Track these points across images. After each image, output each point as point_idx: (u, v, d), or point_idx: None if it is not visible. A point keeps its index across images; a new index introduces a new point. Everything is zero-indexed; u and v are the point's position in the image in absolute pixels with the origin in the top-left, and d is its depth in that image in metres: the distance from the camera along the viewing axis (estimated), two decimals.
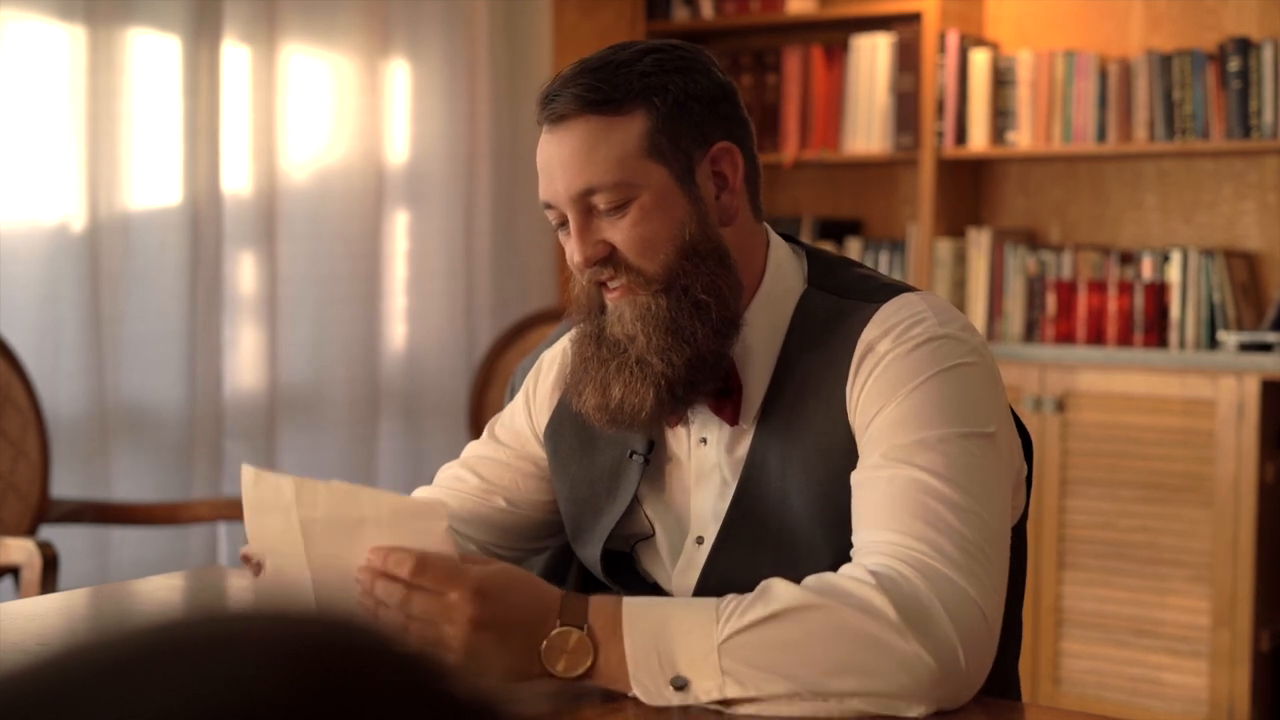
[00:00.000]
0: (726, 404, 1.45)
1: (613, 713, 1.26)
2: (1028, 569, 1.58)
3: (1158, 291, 3.75)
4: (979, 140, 3.96)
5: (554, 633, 1.26)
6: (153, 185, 3.28)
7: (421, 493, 1.66)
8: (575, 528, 1.58)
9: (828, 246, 3.29)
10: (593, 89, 1.40)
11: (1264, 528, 3.37)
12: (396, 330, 3.90)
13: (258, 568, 1.38)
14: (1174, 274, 3.74)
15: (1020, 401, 3.57)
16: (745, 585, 1.28)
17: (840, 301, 1.45)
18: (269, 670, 0.43)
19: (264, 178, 3.49)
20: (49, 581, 2.56)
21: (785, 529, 1.42)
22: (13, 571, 2.64)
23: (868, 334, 1.41)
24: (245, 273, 3.49)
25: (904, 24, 4.04)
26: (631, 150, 1.40)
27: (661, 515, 1.53)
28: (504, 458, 1.64)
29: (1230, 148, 3.67)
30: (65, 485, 3.09)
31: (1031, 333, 3.92)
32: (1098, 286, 3.81)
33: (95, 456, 3.16)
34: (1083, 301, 3.82)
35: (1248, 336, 3.55)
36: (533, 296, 4.14)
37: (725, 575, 1.43)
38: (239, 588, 1.78)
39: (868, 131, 4.11)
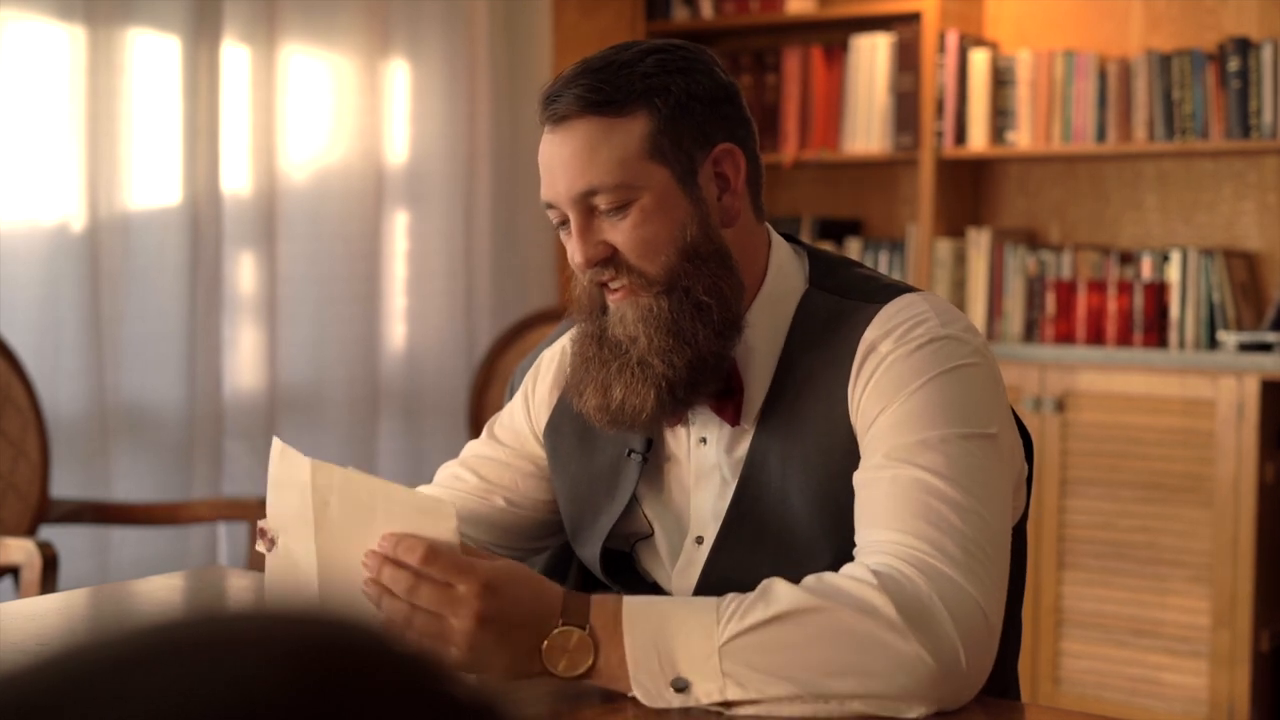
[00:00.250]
0: (728, 404, 1.45)
1: (612, 713, 1.26)
2: (1028, 569, 1.58)
3: (1157, 291, 3.75)
4: (978, 140, 3.96)
5: (555, 632, 1.26)
6: (153, 185, 3.28)
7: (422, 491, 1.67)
8: (575, 527, 1.58)
9: (827, 246, 3.29)
10: (594, 90, 1.39)
11: (1264, 528, 3.37)
12: (396, 330, 3.90)
13: (270, 543, 1.39)
14: (1174, 274, 3.74)
15: (1020, 401, 3.57)
16: (746, 585, 1.28)
17: (842, 302, 1.45)
18: (269, 670, 0.43)
19: (264, 178, 3.49)
20: (49, 581, 2.56)
21: (786, 529, 1.42)
22: (13, 571, 2.64)
23: (870, 334, 1.41)
24: (245, 273, 3.49)
25: (904, 24, 4.04)
26: (633, 151, 1.39)
27: (660, 515, 1.53)
28: (503, 457, 1.64)
29: (1230, 148, 3.67)
30: (65, 485, 3.09)
31: (1031, 333, 3.92)
32: (1097, 286, 3.82)
33: (95, 456, 3.16)
34: (1082, 301, 3.82)
35: (1247, 336, 3.55)
36: (533, 296, 4.14)
37: (725, 575, 1.43)
38: (239, 588, 1.78)
39: (867, 131, 4.12)
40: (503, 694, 0.45)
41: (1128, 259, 3.84)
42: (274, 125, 3.53)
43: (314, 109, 3.65)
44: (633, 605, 1.27)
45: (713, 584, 1.44)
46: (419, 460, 3.84)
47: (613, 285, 1.42)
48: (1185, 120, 3.70)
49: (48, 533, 2.99)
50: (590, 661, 1.26)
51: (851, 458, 1.38)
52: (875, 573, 1.26)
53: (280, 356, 3.58)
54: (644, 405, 1.41)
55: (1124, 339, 3.77)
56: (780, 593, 1.25)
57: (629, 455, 1.53)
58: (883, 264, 4.13)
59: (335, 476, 1.32)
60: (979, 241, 3.99)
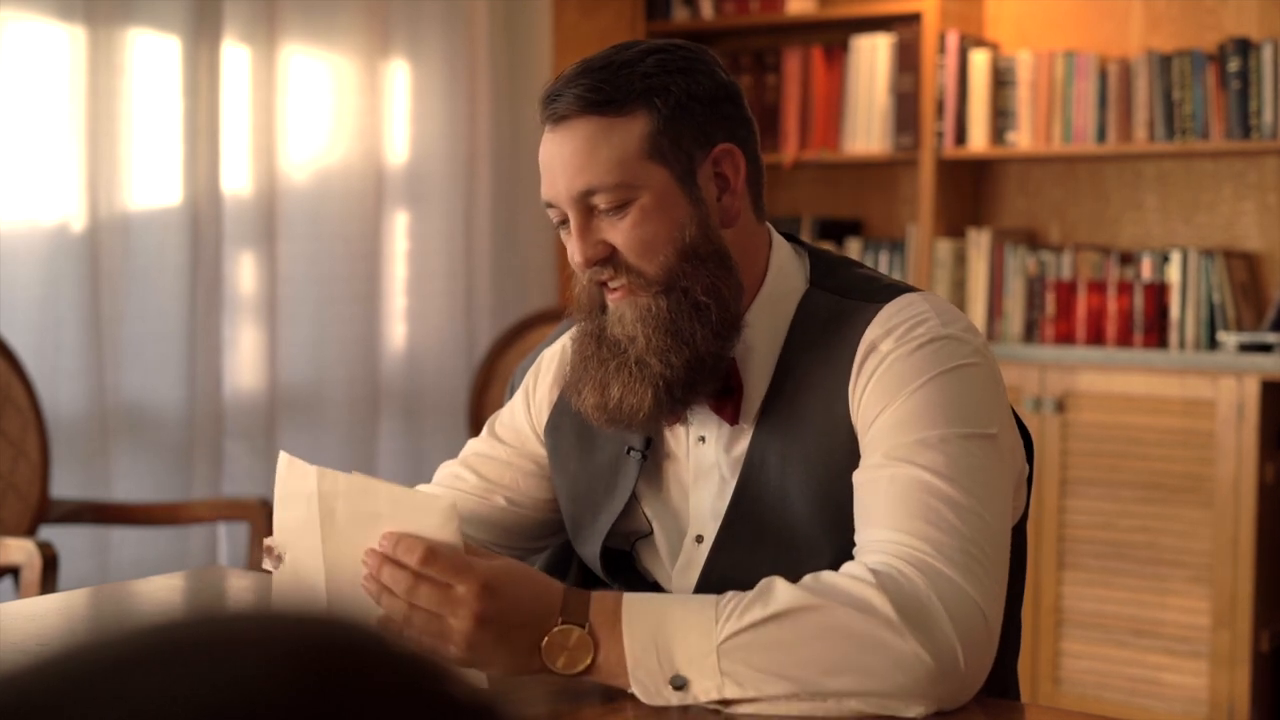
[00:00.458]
0: (727, 403, 1.45)
1: (612, 713, 1.26)
2: (1028, 569, 1.59)
3: (1157, 292, 3.75)
4: (979, 140, 3.96)
5: (555, 630, 1.26)
6: (153, 185, 3.28)
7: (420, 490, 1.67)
8: (575, 525, 1.59)
9: (828, 247, 3.28)
10: (594, 89, 1.40)
11: (1264, 528, 3.37)
12: (396, 330, 3.90)
13: (277, 560, 1.40)
14: (1174, 274, 3.74)
15: (1020, 402, 3.57)
16: (746, 584, 1.28)
17: (842, 301, 1.45)
18: (269, 670, 0.43)
19: (264, 178, 3.50)
20: (49, 582, 2.56)
21: (785, 528, 1.42)
22: (13, 571, 2.64)
23: (870, 334, 1.41)
24: (245, 273, 3.49)
25: (904, 24, 4.04)
26: (632, 151, 1.40)
27: (659, 513, 1.53)
28: (504, 456, 1.64)
29: (1230, 148, 3.67)
30: (65, 485, 3.09)
31: (1031, 333, 3.92)
32: (1097, 287, 3.82)
33: (95, 456, 3.16)
34: (1082, 302, 3.82)
35: (1247, 337, 3.55)
36: (533, 296, 4.14)
37: (725, 574, 1.43)
38: (239, 588, 1.78)
39: (867, 132, 4.12)
40: (502, 694, 0.45)
41: (1128, 259, 3.84)
42: (274, 125, 3.53)
43: (314, 109, 3.65)
44: (632, 603, 1.28)
45: (713, 583, 1.44)
46: (419, 460, 3.85)
47: (612, 284, 1.43)
48: (1185, 120, 3.70)
49: (48, 533, 2.99)
50: (589, 659, 1.26)
51: (851, 457, 1.38)
52: (874, 572, 1.26)
53: (280, 356, 3.58)
54: (641, 405, 1.41)
55: (1124, 339, 3.77)
56: (778, 591, 1.25)
57: (628, 453, 1.53)
58: (883, 264, 4.13)
59: (340, 482, 1.32)
60: (979, 242, 3.99)
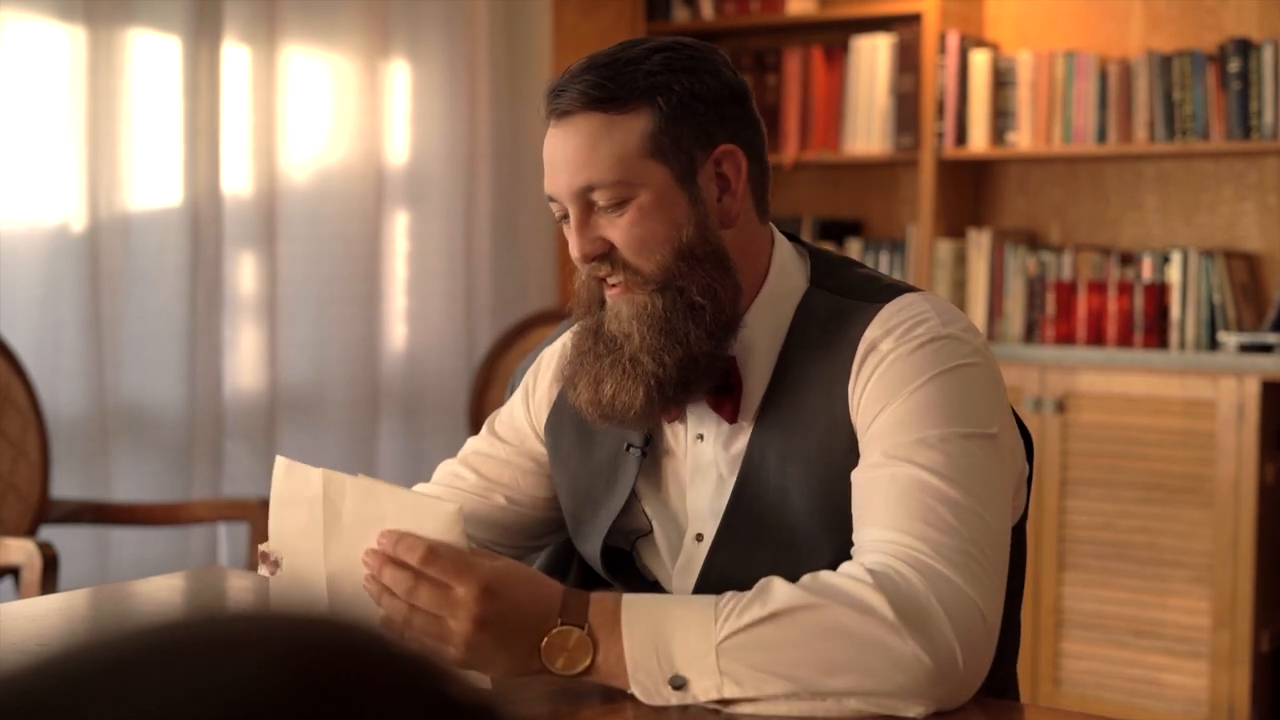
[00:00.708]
0: (726, 401, 1.45)
1: (612, 713, 1.26)
2: (1027, 569, 1.59)
3: (1158, 292, 3.75)
4: (979, 141, 3.96)
5: (554, 631, 1.26)
6: (153, 185, 3.28)
7: (421, 490, 1.66)
8: (575, 522, 1.59)
9: (828, 247, 3.28)
10: (598, 86, 1.40)
11: (1264, 528, 3.37)
12: (396, 330, 3.90)
13: (274, 566, 1.39)
14: (1174, 275, 3.74)
15: (1020, 402, 3.57)
16: (746, 583, 1.28)
17: (842, 301, 1.46)
18: (269, 671, 0.43)
19: (264, 178, 3.50)
20: (49, 582, 2.56)
21: (785, 527, 1.42)
22: (13, 572, 2.64)
23: (870, 333, 1.41)
24: (245, 273, 3.49)
25: (904, 25, 4.04)
26: (633, 149, 1.40)
27: (659, 511, 1.53)
28: (503, 455, 1.64)
29: (1230, 148, 3.67)
30: (65, 485, 3.09)
31: (1031, 333, 3.92)
32: (1098, 287, 3.81)
33: (95, 457, 3.16)
34: (1083, 302, 3.82)
35: (1248, 337, 3.55)
36: (533, 296, 4.14)
37: (725, 573, 1.43)
38: (239, 588, 1.78)
39: (868, 132, 4.12)
40: (502, 695, 0.45)
41: (1128, 260, 3.84)
42: (274, 125, 3.53)
43: (314, 109, 3.65)
44: (631, 603, 1.28)
45: (712, 582, 1.44)
46: (419, 460, 3.85)
47: (610, 281, 1.43)
48: (1186, 121, 3.70)
49: (48, 533, 2.99)
50: (589, 660, 1.26)
51: (851, 456, 1.38)
52: (872, 572, 1.26)
53: (280, 356, 3.58)
54: (633, 402, 1.41)
55: (1124, 340, 3.77)
56: (777, 591, 1.25)
57: (628, 450, 1.53)
58: (883, 264, 4.13)
59: (346, 485, 1.32)
60: (979, 242, 3.99)
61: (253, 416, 3.49)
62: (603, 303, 1.45)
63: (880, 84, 4.09)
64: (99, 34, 3.16)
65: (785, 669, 1.23)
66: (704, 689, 1.24)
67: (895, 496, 1.31)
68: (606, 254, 1.42)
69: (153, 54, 3.28)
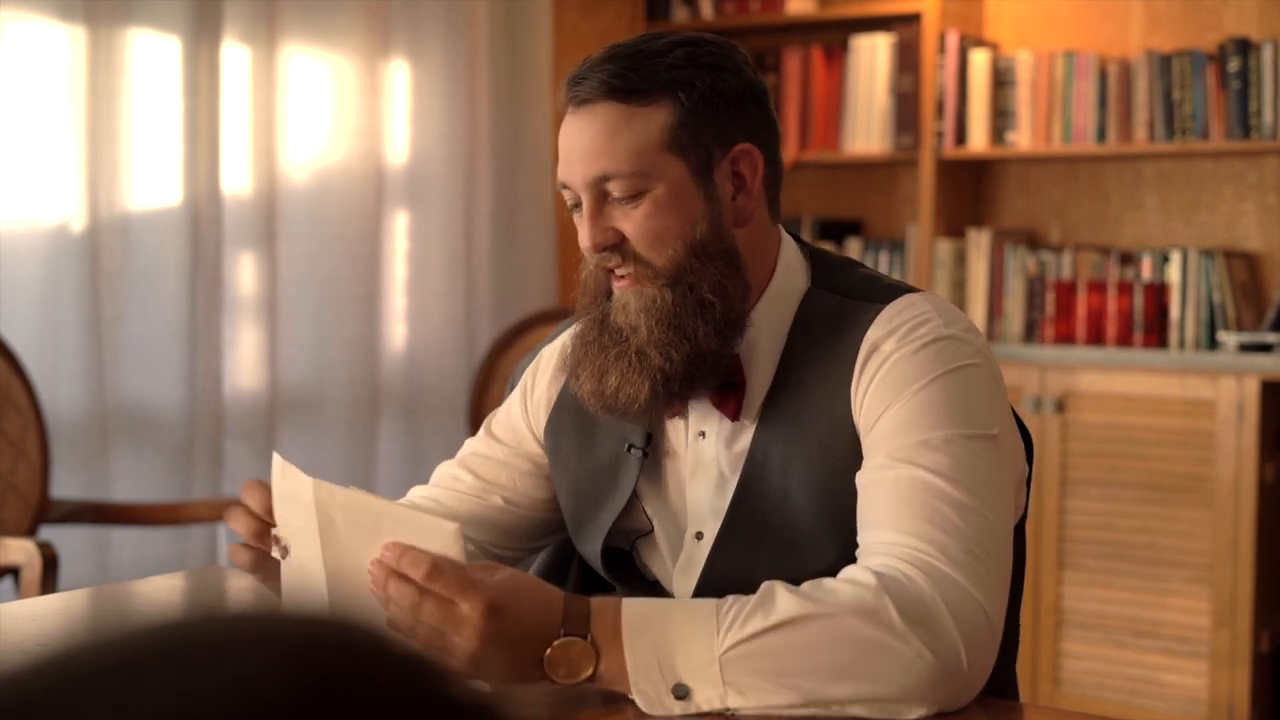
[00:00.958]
0: (730, 398, 1.45)
1: (613, 714, 1.26)
2: (1027, 570, 1.59)
3: (1157, 292, 3.75)
4: (979, 141, 3.96)
5: (558, 643, 1.26)
6: (153, 185, 3.28)
7: (418, 492, 1.66)
8: (576, 523, 1.58)
9: (827, 247, 3.29)
10: (619, 76, 1.39)
11: (1264, 528, 3.37)
12: (396, 330, 3.90)
13: (284, 551, 1.40)
14: (1174, 274, 3.74)
15: (1020, 402, 3.57)
16: (747, 584, 1.28)
17: (844, 301, 1.45)
18: (269, 670, 0.43)
19: (264, 178, 3.50)
20: (49, 582, 2.56)
21: (787, 527, 1.42)
22: (13, 572, 2.64)
23: (872, 334, 1.41)
24: (245, 273, 3.49)
25: (904, 24, 4.04)
26: (651, 142, 1.39)
27: (659, 511, 1.53)
28: (501, 456, 1.64)
29: (1230, 148, 3.67)
30: (65, 485, 3.09)
31: (1031, 333, 3.92)
32: (1097, 287, 3.82)
33: (95, 457, 3.16)
34: (1082, 302, 3.82)
35: (1248, 337, 3.55)
36: (533, 296, 4.14)
37: (727, 574, 1.43)
38: (239, 588, 1.78)
39: (867, 132, 4.12)
40: (503, 695, 0.45)
41: (1128, 259, 3.84)
42: (274, 125, 3.53)
43: (314, 109, 3.65)
44: (632, 612, 1.27)
45: (714, 582, 1.44)
46: (419, 460, 3.84)
47: (618, 272, 1.42)
48: (1185, 121, 3.70)
49: (48, 533, 2.99)
50: (590, 670, 1.26)
51: (854, 456, 1.38)
52: (877, 574, 1.26)
53: (280, 356, 3.58)
54: (638, 396, 1.41)
55: (1124, 339, 3.77)
56: (780, 600, 1.25)
57: (629, 450, 1.52)
58: (883, 264, 4.13)
59: (337, 496, 1.32)
60: (979, 242, 3.99)
61: (253, 416, 3.49)
62: (609, 294, 1.45)
63: (880, 84, 4.09)
64: (99, 34, 3.16)
65: (790, 678, 1.23)
66: (707, 698, 1.24)
67: (899, 498, 1.31)
68: (617, 245, 1.41)
69: (153, 54, 3.28)
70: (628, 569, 1.58)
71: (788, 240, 1.51)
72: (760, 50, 4.33)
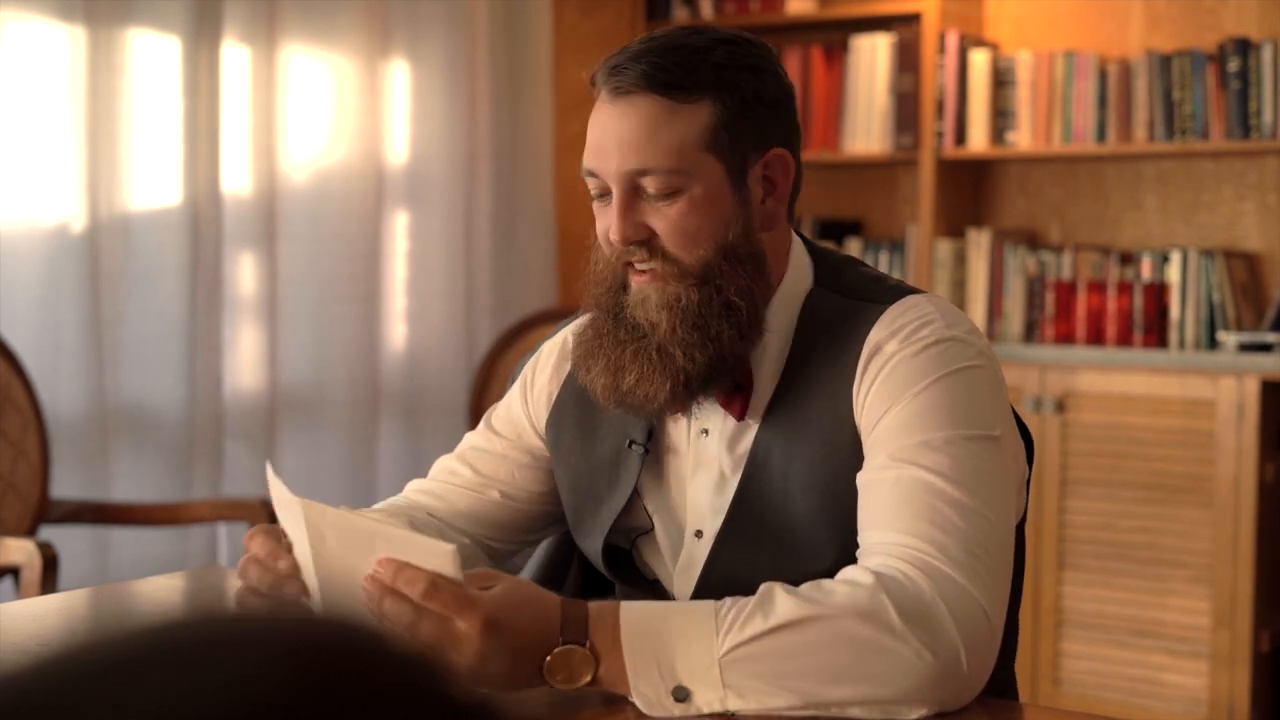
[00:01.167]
0: (736, 398, 1.45)
1: (613, 715, 1.26)
2: (1027, 570, 1.59)
3: (1157, 292, 3.75)
4: (979, 141, 3.96)
5: (557, 651, 1.25)
6: (153, 185, 3.28)
7: (416, 486, 1.66)
8: (577, 518, 1.58)
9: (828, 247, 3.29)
10: (664, 69, 1.37)
11: (1264, 528, 3.37)
12: (396, 330, 3.90)
13: (289, 547, 1.40)
14: (1174, 274, 3.74)
15: (1020, 402, 3.57)
16: (747, 584, 1.28)
17: (847, 302, 1.45)
18: (269, 670, 0.43)
19: (264, 178, 3.50)
20: (49, 582, 2.56)
21: (788, 528, 1.42)
22: (13, 572, 2.64)
23: (875, 335, 1.41)
24: (245, 273, 3.49)
25: (904, 24, 4.04)
26: (692, 140, 1.38)
27: (660, 507, 1.53)
28: (500, 449, 1.63)
29: (1230, 148, 3.67)
30: (65, 485, 3.09)
31: (1031, 333, 3.92)
32: (1097, 287, 3.81)
33: (95, 457, 3.16)
34: (1082, 302, 3.82)
35: (1247, 337, 3.55)
36: (533, 296, 4.14)
37: (727, 574, 1.43)
38: (239, 588, 1.78)
39: (867, 132, 4.12)
40: (504, 696, 0.45)
41: (1128, 259, 3.84)
42: (274, 125, 3.53)
43: (314, 109, 3.65)
44: (631, 617, 1.26)
45: (714, 582, 1.44)
46: (419, 460, 3.84)
47: (640, 266, 1.41)
48: (1185, 121, 3.70)
49: (48, 533, 2.99)
50: (590, 675, 1.26)
51: (855, 457, 1.38)
52: (877, 574, 1.26)
53: (280, 357, 3.58)
54: (657, 395, 1.40)
55: (1124, 339, 3.77)
56: (779, 602, 1.25)
57: (630, 447, 1.52)
58: (883, 264, 4.13)
59: (328, 515, 1.31)
60: (979, 242, 3.99)
61: (253, 416, 3.49)
62: (625, 286, 1.43)
63: (880, 84, 4.09)
64: (99, 34, 3.16)
65: (790, 680, 1.23)
66: (707, 700, 1.24)
67: (900, 499, 1.31)
68: (645, 240, 1.40)
69: (153, 54, 3.28)
70: (628, 567, 1.58)
71: (796, 240, 1.51)
72: None
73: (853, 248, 4.20)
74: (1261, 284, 3.80)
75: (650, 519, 1.53)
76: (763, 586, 1.27)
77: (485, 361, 3.96)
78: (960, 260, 4.01)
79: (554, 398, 1.60)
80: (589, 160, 1.42)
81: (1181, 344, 3.71)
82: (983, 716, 1.29)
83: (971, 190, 4.16)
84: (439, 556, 1.25)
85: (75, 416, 3.12)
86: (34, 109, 3.08)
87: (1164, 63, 3.73)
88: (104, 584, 2.91)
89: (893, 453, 1.34)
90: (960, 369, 1.38)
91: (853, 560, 1.34)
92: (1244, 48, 3.62)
